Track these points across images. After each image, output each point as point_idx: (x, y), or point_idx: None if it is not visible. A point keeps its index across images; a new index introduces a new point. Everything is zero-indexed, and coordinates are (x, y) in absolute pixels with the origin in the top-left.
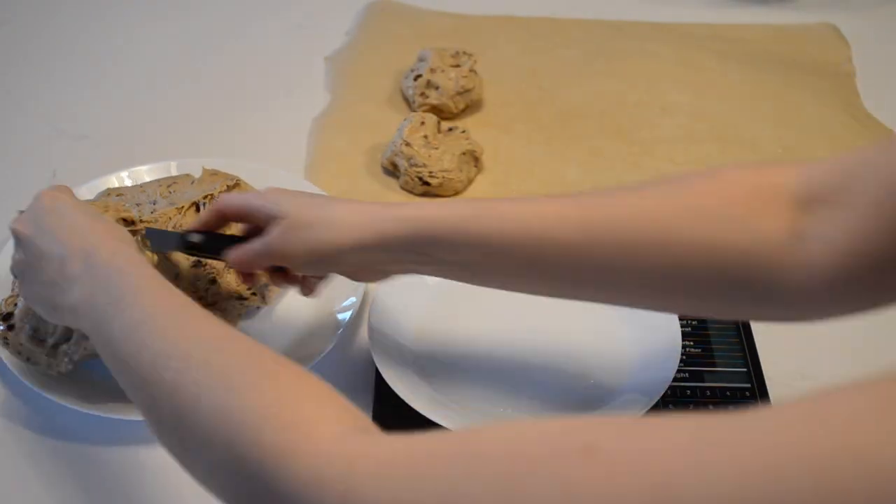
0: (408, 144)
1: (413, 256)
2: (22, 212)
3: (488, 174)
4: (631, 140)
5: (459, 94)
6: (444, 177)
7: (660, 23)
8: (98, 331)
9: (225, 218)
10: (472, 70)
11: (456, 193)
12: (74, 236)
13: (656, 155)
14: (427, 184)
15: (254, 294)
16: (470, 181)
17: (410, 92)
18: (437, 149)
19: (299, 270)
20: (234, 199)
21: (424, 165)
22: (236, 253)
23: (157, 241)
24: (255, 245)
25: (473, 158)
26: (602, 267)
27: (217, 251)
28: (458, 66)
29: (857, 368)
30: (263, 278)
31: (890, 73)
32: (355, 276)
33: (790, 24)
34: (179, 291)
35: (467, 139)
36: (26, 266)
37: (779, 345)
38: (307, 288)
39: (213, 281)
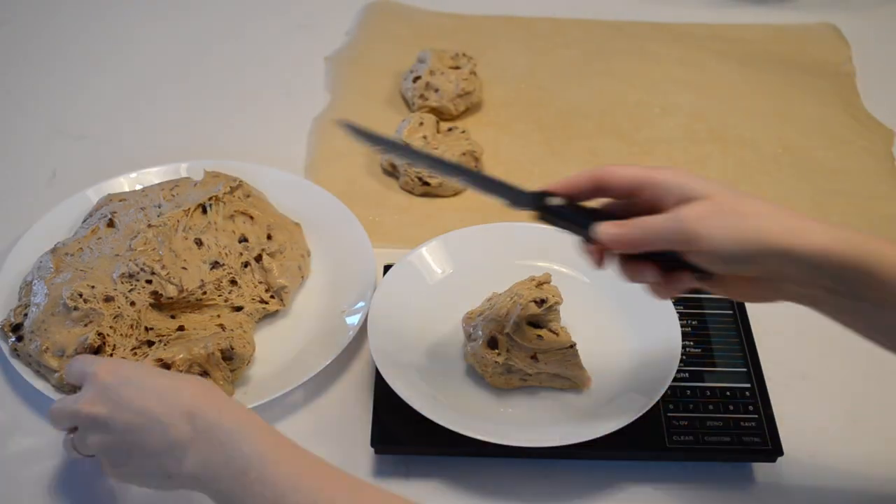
0: (407, 145)
1: (830, 282)
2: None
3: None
4: (631, 140)
5: (460, 96)
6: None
7: (660, 23)
8: (226, 501)
9: (601, 188)
10: (472, 72)
11: (455, 193)
12: (164, 401)
13: (656, 155)
14: (427, 184)
15: (272, 297)
16: None
17: (410, 93)
18: (436, 149)
19: (709, 263)
20: (626, 170)
21: None
22: (623, 227)
23: (513, 199)
24: (659, 220)
25: (474, 159)
26: None
27: (579, 222)
28: (457, 67)
29: (857, 368)
30: (648, 273)
31: (890, 73)
32: (748, 288)
33: (790, 24)
34: (301, 449)
35: (467, 139)
36: (113, 446)
37: (779, 345)
38: (675, 290)
39: (234, 282)
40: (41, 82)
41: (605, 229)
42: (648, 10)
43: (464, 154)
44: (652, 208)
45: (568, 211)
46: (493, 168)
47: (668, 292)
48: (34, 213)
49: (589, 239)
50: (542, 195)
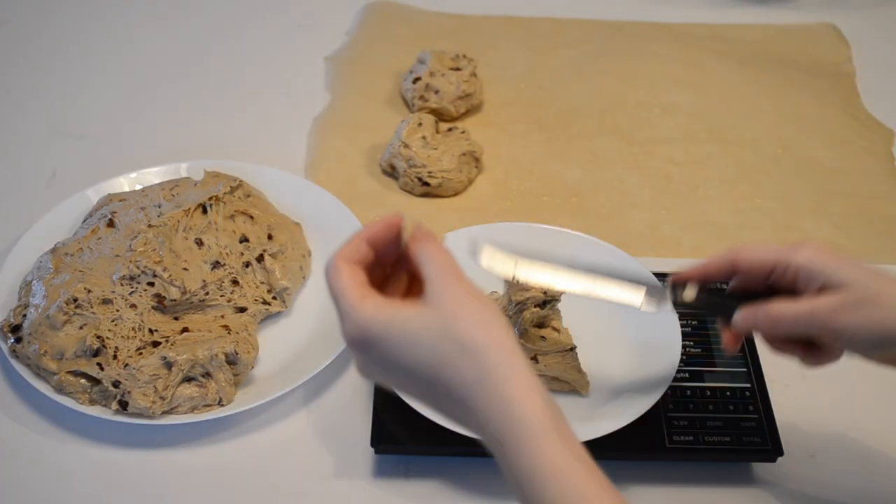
0: (406, 146)
1: None
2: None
3: (488, 174)
4: (631, 140)
5: (460, 98)
6: (443, 177)
7: (660, 23)
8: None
9: (737, 270)
10: (472, 74)
11: (455, 194)
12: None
13: (656, 155)
14: (426, 184)
15: (275, 298)
16: (470, 181)
17: (409, 94)
18: (435, 149)
19: (850, 350)
20: (762, 252)
21: (423, 166)
22: (757, 317)
23: (651, 295)
24: (795, 308)
25: (474, 159)
26: None
27: (719, 308)
28: (458, 69)
29: (857, 369)
30: (796, 352)
31: (890, 73)
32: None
33: (790, 24)
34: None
35: (467, 140)
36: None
37: None
38: (822, 363)
39: (236, 282)
40: (41, 82)
41: (741, 319)
42: (649, 10)
43: (464, 154)
44: (792, 289)
45: (704, 302)
46: (494, 168)
47: (817, 364)
48: (34, 213)
49: (726, 323)
50: (676, 288)
